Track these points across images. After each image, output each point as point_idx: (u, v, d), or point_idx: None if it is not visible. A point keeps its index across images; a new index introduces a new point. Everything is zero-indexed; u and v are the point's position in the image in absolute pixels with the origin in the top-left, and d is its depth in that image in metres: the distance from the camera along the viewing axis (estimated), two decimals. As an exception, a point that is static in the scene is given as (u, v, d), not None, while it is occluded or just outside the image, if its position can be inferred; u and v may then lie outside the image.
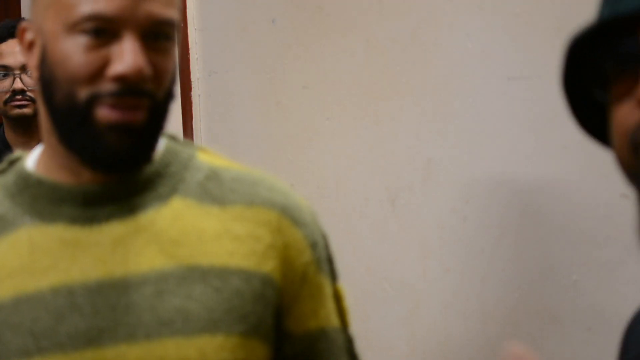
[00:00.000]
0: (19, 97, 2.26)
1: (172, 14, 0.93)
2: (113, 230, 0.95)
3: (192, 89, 2.15)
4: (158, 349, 0.93)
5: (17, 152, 1.03)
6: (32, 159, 1.01)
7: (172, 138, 1.04)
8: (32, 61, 0.96)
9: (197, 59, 2.14)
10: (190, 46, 2.14)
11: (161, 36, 0.93)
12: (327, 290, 1.05)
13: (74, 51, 0.90)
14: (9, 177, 1.00)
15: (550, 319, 1.66)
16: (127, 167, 0.95)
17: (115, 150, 0.92)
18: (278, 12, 1.99)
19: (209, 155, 1.05)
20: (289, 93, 1.99)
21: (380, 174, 1.86)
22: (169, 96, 0.95)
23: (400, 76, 1.82)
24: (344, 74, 1.89)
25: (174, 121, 2.18)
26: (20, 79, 2.25)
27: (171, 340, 0.93)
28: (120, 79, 0.90)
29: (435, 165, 1.78)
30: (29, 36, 0.97)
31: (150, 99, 0.92)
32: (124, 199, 0.97)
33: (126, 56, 0.90)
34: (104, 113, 0.91)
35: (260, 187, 1.01)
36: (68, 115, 0.92)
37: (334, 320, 1.06)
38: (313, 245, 1.02)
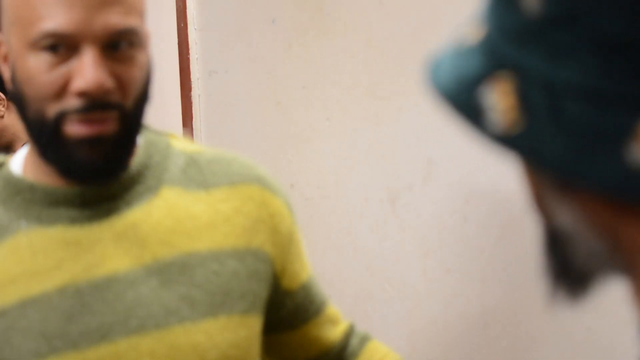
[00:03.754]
0: None
1: (133, 21, 0.92)
2: (112, 226, 0.97)
3: (192, 89, 2.15)
4: (168, 336, 0.96)
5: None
6: (17, 163, 1.01)
7: (146, 128, 1.05)
8: (7, 73, 0.97)
9: (197, 59, 2.14)
10: (190, 46, 2.13)
11: (123, 45, 0.92)
12: (302, 240, 1.12)
13: (37, 69, 0.90)
14: None
15: (550, 318, 1.66)
16: (102, 178, 0.95)
17: (87, 163, 0.92)
18: (278, 12, 1.99)
19: (179, 141, 1.08)
20: (289, 93, 1.98)
21: (380, 174, 1.86)
22: (140, 103, 0.95)
23: (400, 76, 1.82)
24: (344, 74, 1.89)
25: (174, 121, 2.18)
26: None
27: (180, 327, 0.96)
28: (83, 94, 0.90)
29: (435, 165, 1.78)
30: (3, 50, 0.97)
31: (118, 110, 0.92)
32: (119, 195, 0.98)
33: (86, 71, 0.89)
34: (73, 129, 0.91)
35: (235, 165, 1.06)
36: (39, 130, 0.93)
37: (309, 264, 1.15)
38: (290, 207, 1.09)
